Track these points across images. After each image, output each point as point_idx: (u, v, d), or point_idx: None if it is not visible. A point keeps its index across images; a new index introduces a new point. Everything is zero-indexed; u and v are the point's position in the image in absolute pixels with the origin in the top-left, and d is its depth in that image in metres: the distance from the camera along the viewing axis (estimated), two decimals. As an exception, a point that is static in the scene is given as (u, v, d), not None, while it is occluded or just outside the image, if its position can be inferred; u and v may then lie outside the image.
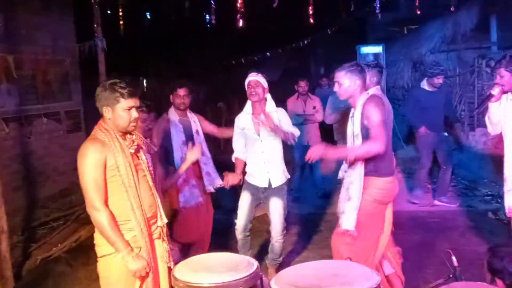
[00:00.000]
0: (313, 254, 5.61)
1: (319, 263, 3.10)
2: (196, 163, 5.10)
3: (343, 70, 3.86)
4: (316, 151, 3.76)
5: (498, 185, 6.70)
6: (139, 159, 3.09)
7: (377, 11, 8.56)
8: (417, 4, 9.14)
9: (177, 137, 5.06)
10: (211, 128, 5.40)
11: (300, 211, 7.37)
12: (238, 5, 7.19)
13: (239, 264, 2.98)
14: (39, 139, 7.83)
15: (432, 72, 6.74)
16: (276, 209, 4.78)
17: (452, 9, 9.37)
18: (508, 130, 4.25)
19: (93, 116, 3.18)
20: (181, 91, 5.09)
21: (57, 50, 8.26)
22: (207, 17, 8.30)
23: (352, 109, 3.95)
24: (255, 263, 2.99)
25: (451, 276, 3.54)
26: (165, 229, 3.20)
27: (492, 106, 4.29)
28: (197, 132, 5.21)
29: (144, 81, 14.45)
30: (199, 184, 5.15)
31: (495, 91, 4.16)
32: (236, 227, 4.90)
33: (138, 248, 2.97)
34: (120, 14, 8.22)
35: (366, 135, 3.73)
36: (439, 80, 6.87)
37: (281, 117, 4.74)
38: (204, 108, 12.05)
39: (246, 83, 4.74)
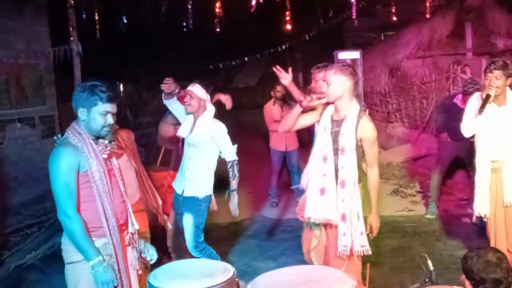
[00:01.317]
0: (291, 259, 5.59)
1: (295, 268, 3.09)
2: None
3: (333, 69, 3.66)
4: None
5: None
6: (111, 164, 3.04)
7: (354, 17, 8.61)
8: (393, 10, 9.23)
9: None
10: None
11: (278, 217, 7.36)
12: (216, 10, 7.16)
13: (215, 270, 2.95)
14: (13, 144, 7.68)
15: (467, 90, 6.33)
16: (187, 227, 4.58)
17: (427, 15, 9.48)
18: (482, 136, 4.31)
19: (68, 121, 3.11)
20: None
21: (31, 54, 8.11)
22: (184, 21, 8.25)
23: (332, 112, 3.76)
24: (232, 269, 2.97)
25: (427, 280, 3.56)
26: (136, 236, 3.13)
27: (472, 110, 4.33)
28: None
29: (121, 85, 14.31)
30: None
31: (492, 91, 4.12)
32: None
33: (108, 255, 2.90)
34: (96, 18, 8.13)
35: (357, 149, 3.64)
36: None
37: (215, 133, 4.52)
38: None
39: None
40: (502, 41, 10.65)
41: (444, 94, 9.59)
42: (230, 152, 4.57)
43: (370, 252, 3.67)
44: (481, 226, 5.34)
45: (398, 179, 8.67)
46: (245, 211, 7.20)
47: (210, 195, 4.64)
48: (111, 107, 2.93)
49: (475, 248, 2.77)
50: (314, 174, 3.75)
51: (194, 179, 4.57)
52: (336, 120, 3.71)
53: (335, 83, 3.61)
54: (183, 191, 4.60)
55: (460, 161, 7.01)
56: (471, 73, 9.30)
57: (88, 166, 2.85)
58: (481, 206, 4.33)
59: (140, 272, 3.13)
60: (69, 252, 2.89)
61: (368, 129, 3.62)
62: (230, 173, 4.59)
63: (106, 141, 3.03)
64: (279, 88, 7.68)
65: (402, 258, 5.46)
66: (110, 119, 2.94)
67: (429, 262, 3.46)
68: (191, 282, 2.80)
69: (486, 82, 4.18)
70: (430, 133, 9.81)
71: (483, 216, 4.35)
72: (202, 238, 4.62)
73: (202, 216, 4.58)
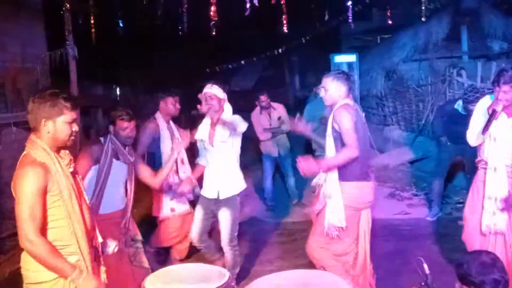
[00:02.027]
0: (287, 263, 5.58)
1: (291, 272, 3.08)
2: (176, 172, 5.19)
3: (330, 77, 4.05)
4: (306, 169, 3.88)
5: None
6: (76, 177, 2.90)
7: (350, 20, 8.63)
8: (389, 14, 9.26)
9: (166, 144, 5.16)
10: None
11: (274, 220, 7.36)
12: (211, 13, 7.16)
13: (210, 274, 2.94)
14: (8, 148, 7.65)
15: (467, 98, 6.34)
16: (223, 220, 4.75)
17: (423, 19, 9.51)
18: (493, 146, 4.19)
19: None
20: (174, 100, 5.29)
21: (27, 57, 8.09)
22: (180, 25, 8.25)
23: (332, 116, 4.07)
24: (227, 274, 2.97)
25: (423, 284, 3.55)
26: (100, 248, 3.01)
27: (478, 119, 4.27)
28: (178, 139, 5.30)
29: (117, 89, 14.32)
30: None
31: (499, 107, 4.02)
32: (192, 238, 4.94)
33: (81, 272, 2.75)
34: (92, 21, 8.12)
35: (336, 137, 3.92)
36: (473, 107, 6.72)
37: (236, 124, 4.69)
38: (178, 116, 11.96)
39: (202, 94, 4.69)
40: (498, 44, 10.70)
41: (440, 97, 9.61)
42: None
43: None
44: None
45: (394, 182, 8.68)
46: (241, 215, 7.19)
47: (243, 187, 4.83)
48: (76, 114, 2.81)
49: (467, 253, 2.77)
50: None
51: (227, 180, 4.72)
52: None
53: (332, 89, 4.03)
54: (218, 195, 4.71)
55: (457, 164, 7.03)
56: (467, 76, 9.33)
57: (57, 185, 2.71)
58: (500, 222, 4.17)
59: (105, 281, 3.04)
60: (35, 272, 2.72)
61: (337, 117, 3.93)
62: None
63: (67, 153, 2.87)
64: (262, 98, 7.62)
65: (398, 261, 5.45)
66: (76, 127, 2.83)
67: (425, 266, 3.45)
68: (187, 287, 2.79)
69: (495, 95, 4.08)
70: (426, 136, 9.82)
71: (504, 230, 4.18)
72: (237, 233, 4.84)
73: (238, 210, 4.80)
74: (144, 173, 4.41)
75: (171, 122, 5.40)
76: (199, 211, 4.85)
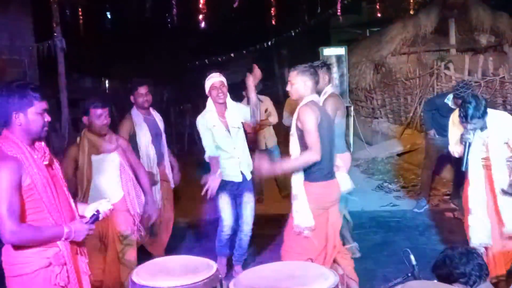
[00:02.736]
0: (276, 255, 5.56)
1: (278, 264, 3.11)
2: (162, 165, 5.25)
3: (295, 71, 3.97)
4: (261, 169, 3.91)
5: (455, 185, 6.85)
6: (53, 169, 2.86)
7: (339, 13, 8.65)
8: (378, 7, 9.29)
9: (143, 138, 5.08)
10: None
11: (263, 212, 7.36)
12: (200, 6, 7.15)
13: (198, 266, 2.95)
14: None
15: (458, 94, 6.30)
16: (249, 202, 4.92)
17: (412, 12, 9.56)
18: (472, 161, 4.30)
19: (52, 118, 3.02)
20: (142, 89, 5.13)
21: (15, 49, 8.03)
22: (169, 18, 8.23)
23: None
24: (215, 265, 2.98)
25: (409, 274, 3.60)
26: (83, 243, 2.96)
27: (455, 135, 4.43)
28: (160, 134, 5.32)
29: (106, 81, 14.25)
30: (162, 187, 5.18)
31: (471, 137, 4.16)
32: (223, 228, 4.96)
33: (61, 265, 2.76)
34: (80, 13, 8.08)
35: (300, 136, 3.84)
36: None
37: (240, 108, 4.90)
38: (168, 110, 11.96)
39: (209, 84, 4.72)
40: (485, 38, 10.78)
41: (428, 90, 9.67)
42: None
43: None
44: (463, 221, 5.39)
45: (382, 174, 8.74)
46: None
47: None
48: (46, 104, 2.76)
49: (440, 256, 2.79)
50: None
51: (248, 161, 4.87)
52: None
53: (297, 83, 3.95)
54: (245, 177, 4.84)
55: (445, 157, 7.08)
56: (455, 69, 9.39)
57: (30, 178, 2.67)
58: (480, 235, 4.26)
59: (89, 274, 3.01)
60: (17, 264, 2.70)
61: (300, 115, 3.83)
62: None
63: (43, 144, 2.83)
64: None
65: (386, 253, 5.51)
66: (48, 117, 2.78)
67: (412, 257, 3.50)
68: (174, 279, 2.80)
69: (464, 126, 4.16)
70: (414, 129, 9.89)
71: (485, 244, 4.25)
72: None
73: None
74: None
75: (153, 112, 5.34)
76: (226, 199, 4.89)
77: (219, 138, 4.78)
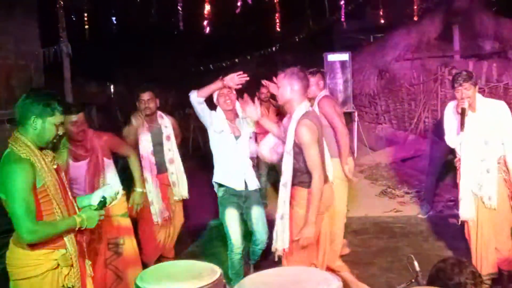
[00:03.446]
0: (278, 260, 5.61)
1: (282, 269, 3.13)
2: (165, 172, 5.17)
3: (283, 73, 3.74)
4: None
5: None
6: (59, 173, 2.95)
7: (342, 19, 8.68)
8: (381, 13, 9.31)
9: (144, 147, 5.01)
10: (178, 131, 5.39)
11: (267, 217, 7.37)
12: (205, 11, 7.19)
13: (202, 271, 2.96)
14: (2, 145, 7.61)
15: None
16: (258, 215, 4.65)
17: (416, 18, 9.58)
18: (466, 141, 4.39)
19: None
20: (145, 95, 4.97)
21: (21, 54, 8.09)
22: (174, 23, 8.27)
23: (286, 118, 3.88)
24: (219, 271, 2.99)
25: (413, 281, 3.61)
26: (84, 244, 3.07)
27: (450, 123, 4.51)
28: (168, 138, 5.14)
29: (111, 86, 14.30)
30: (165, 196, 5.15)
31: (465, 104, 4.27)
32: (234, 249, 4.63)
33: (69, 267, 2.85)
34: (86, 19, 8.13)
35: (298, 151, 3.64)
36: None
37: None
38: (173, 114, 11.96)
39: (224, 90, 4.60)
40: (489, 44, 10.78)
41: (432, 95, 9.68)
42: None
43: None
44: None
45: (386, 180, 8.73)
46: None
47: None
48: (63, 119, 2.91)
49: (433, 270, 2.79)
50: None
51: (251, 171, 4.67)
52: (285, 124, 3.83)
53: (283, 87, 3.71)
54: (246, 185, 4.59)
55: (449, 163, 7.08)
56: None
57: (43, 180, 2.76)
58: (465, 211, 4.44)
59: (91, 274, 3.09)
60: (23, 267, 2.77)
61: (300, 132, 3.60)
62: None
63: (50, 151, 2.94)
64: (263, 90, 7.67)
65: (390, 259, 5.50)
66: (61, 130, 2.91)
67: (415, 263, 3.52)
68: (178, 284, 2.82)
69: (458, 95, 4.30)
70: (418, 135, 9.90)
71: (468, 219, 4.45)
72: None
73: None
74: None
75: (159, 119, 5.16)
76: (233, 213, 4.60)
77: (225, 144, 4.62)
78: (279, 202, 3.73)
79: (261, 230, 4.67)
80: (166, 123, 5.15)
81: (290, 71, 3.72)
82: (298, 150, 3.63)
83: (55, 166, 2.89)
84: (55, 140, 2.90)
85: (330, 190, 3.86)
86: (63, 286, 2.83)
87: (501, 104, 4.41)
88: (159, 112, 5.17)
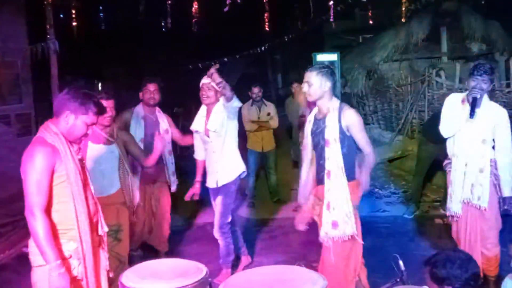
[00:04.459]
0: (267, 259, 5.62)
1: (268, 268, 3.13)
2: (163, 162, 5.31)
3: (314, 71, 3.83)
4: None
5: (446, 191, 6.89)
6: (83, 165, 3.04)
7: (331, 20, 8.71)
8: (370, 14, 9.36)
9: (136, 133, 5.13)
10: (176, 134, 5.55)
11: (255, 217, 7.39)
12: (194, 10, 7.17)
13: (188, 270, 2.97)
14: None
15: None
16: (217, 206, 4.83)
17: (404, 20, 9.63)
18: (459, 137, 4.38)
19: (45, 120, 3.11)
20: (151, 86, 5.27)
21: (8, 51, 8.03)
22: (163, 21, 8.24)
23: (315, 111, 3.98)
24: (204, 269, 2.99)
25: (398, 280, 3.63)
26: (105, 238, 3.13)
27: (451, 112, 4.40)
28: (167, 131, 5.36)
29: (99, 84, 14.23)
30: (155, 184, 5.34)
31: (478, 94, 4.17)
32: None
33: (79, 259, 2.88)
34: (74, 16, 8.08)
35: (344, 139, 3.78)
36: None
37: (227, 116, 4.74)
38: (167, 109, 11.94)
39: (200, 85, 4.77)
40: (477, 46, 10.88)
41: (420, 97, 9.74)
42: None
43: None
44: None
45: (373, 180, 8.69)
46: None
47: (241, 173, 4.88)
48: (96, 119, 2.99)
49: (442, 256, 2.77)
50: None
51: (225, 168, 4.78)
52: (319, 118, 3.92)
53: (317, 84, 3.79)
54: (217, 183, 4.78)
55: (436, 163, 7.13)
56: (446, 77, 9.46)
57: (64, 166, 2.83)
58: (455, 205, 4.41)
59: (111, 274, 3.12)
60: (38, 255, 2.82)
61: (351, 115, 3.79)
62: None
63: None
64: (255, 90, 7.73)
65: (376, 258, 5.50)
66: (90, 130, 2.99)
67: (401, 262, 3.54)
68: (163, 282, 2.82)
69: (473, 84, 4.19)
70: (405, 135, 9.95)
71: (454, 214, 4.42)
72: (229, 220, 4.83)
73: (230, 197, 4.82)
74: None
75: (157, 113, 5.40)
76: (213, 204, 4.92)
77: (201, 142, 4.89)
78: (325, 192, 3.81)
79: (215, 219, 4.83)
80: (162, 118, 5.41)
81: (320, 69, 3.84)
82: (343, 138, 3.77)
83: (79, 157, 2.97)
84: (83, 138, 3.00)
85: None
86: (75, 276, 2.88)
87: (503, 111, 4.35)
88: (157, 108, 5.42)
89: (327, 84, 3.80)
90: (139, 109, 5.36)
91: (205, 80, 4.72)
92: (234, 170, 4.84)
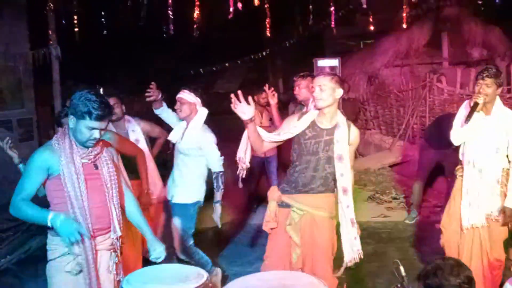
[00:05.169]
0: (267, 264, 5.62)
1: (268, 273, 3.12)
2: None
3: (328, 76, 3.69)
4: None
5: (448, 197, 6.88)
6: (97, 168, 3.04)
7: (332, 25, 8.73)
8: (371, 19, 9.38)
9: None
10: (158, 132, 5.41)
11: (255, 221, 7.39)
12: (196, 15, 7.19)
13: (188, 275, 2.96)
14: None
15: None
16: (175, 230, 4.68)
17: (405, 25, 9.65)
18: (469, 144, 4.20)
19: (47, 125, 3.15)
20: (110, 101, 5.04)
21: (10, 56, 8.05)
22: (164, 26, 8.26)
23: (314, 116, 3.77)
24: (205, 274, 2.99)
25: (399, 286, 3.62)
26: (119, 242, 3.14)
27: (461, 117, 4.21)
28: (137, 140, 5.13)
29: (101, 89, 14.25)
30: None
31: (480, 99, 4.01)
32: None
33: (76, 255, 2.98)
34: (76, 21, 8.11)
35: (347, 157, 3.74)
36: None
37: (202, 142, 4.58)
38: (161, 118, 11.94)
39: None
40: (478, 51, 10.90)
41: (421, 102, 9.75)
42: (216, 163, 4.58)
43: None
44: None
45: (374, 185, 8.76)
46: (223, 217, 7.22)
47: (199, 201, 4.70)
48: (98, 125, 2.92)
49: (431, 266, 2.77)
50: None
51: (184, 185, 4.65)
52: (321, 127, 3.76)
53: (329, 91, 3.63)
54: (172, 197, 4.68)
55: (438, 168, 7.12)
56: (447, 82, 9.47)
57: (61, 171, 2.89)
58: (474, 216, 4.17)
59: (118, 278, 3.13)
60: (49, 250, 3.02)
61: (357, 135, 3.84)
62: (215, 184, 4.59)
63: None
64: (264, 95, 7.69)
65: (377, 264, 5.52)
66: (96, 134, 2.93)
67: (402, 268, 3.52)
68: (164, 287, 2.82)
69: (476, 89, 4.07)
70: (406, 141, 9.95)
71: (479, 225, 4.18)
72: (191, 243, 4.68)
73: (190, 221, 4.65)
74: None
75: (127, 124, 5.16)
76: (162, 216, 4.90)
77: (176, 150, 4.77)
78: (343, 208, 3.79)
79: (176, 241, 4.68)
80: (133, 127, 5.15)
81: (333, 75, 3.72)
82: (347, 156, 3.76)
83: (84, 160, 2.98)
84: (92, 142, 2.98)
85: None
86: (70, 271, 2.96)
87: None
88: (126, 117, 5.18)
89: (339, 92, 3.68)
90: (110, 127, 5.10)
91: (178, 95, 4.65)
92: (193, 192, 4.67)
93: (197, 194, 4.68)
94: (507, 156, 4.15)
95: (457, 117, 4.31)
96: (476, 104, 4.02)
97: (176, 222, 4.65)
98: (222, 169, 4.61)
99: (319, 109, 3.71)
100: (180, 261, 4.73)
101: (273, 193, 3.92)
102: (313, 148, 3.73)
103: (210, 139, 4.60)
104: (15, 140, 8.16)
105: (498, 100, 4.14)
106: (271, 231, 3.97)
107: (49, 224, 2.87)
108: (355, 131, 3.81)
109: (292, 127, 3.75)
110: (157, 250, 3.27)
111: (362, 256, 3.87)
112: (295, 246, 3.82)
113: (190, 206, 4.64)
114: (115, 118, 4.97)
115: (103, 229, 3.07)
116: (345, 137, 3.72)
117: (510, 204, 4.05)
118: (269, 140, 3.77)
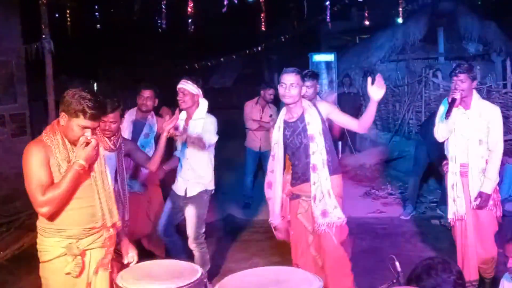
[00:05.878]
0: (263, 260, 5.60)
1: (263, 269, 3.10)
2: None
3: (294, 72, 3.98)
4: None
5: (443, 192, 6.88)
6: (92, 166, 2.98)
7: (328, 20, 8.70)
8: (367, 14, 9.35)
9: (123, 135, 5.03)
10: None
11: (250, 217, 7.37)
12: (190, 10, 7.14)
13: (183, 271, 2.94)
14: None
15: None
16: (189, 217, 4.70)
17: (401, 20, 9.64)
18: (451, 139, 4.37)
19: (40, 120, 3.10)
20: (145, 93, 5.27)
21: (2, 50, 7.96)
22: (158, 21, 8.21)
23: (282, 117, 4.13)
24: (200, 270, 2.97)
25: (394, 281, 3.60)
26: (112, 238, 3.08)
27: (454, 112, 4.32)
28: (147, 135, 5.26)
29: (95, 84, 14.20)
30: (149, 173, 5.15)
31: (458, 95, 4.17)
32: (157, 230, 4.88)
33: (74, 255, 2.91)
34: (69, 15, 8.04)
35: (326, 133, 4.00)
36: None
37: (205, 124, 4.64)
38: (156, 113, 11.91)
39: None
40: (474, 46, 10.90)
41: (416, 97, 9.74)
42: (210, 138, 4.63)
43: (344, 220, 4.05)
44: (449, 228, 5.42)
45: (370, 181, 8.77)
46: (218, 212, 7.20)
47: (212, 188, 4.77)
48: (91, 124, 2.86)
49: (416, 269, 2.76)
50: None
51: (195, 177, 4.66)
52: (292, 121, 4.07)
53: (298, 88, 3.96)
54: (185, 192, 4.67)
55: (433, 164, 7.12)
56: (443, 77, 9.47)
57: (56, 163, 2.85)
58: (460, 209, 4.36)
59: (114, 274, 3.09)
60: (42, 252, 2.95)
61: (325, 104, 4.15)
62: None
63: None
64: (272, 91, 7.65)
65: (372, 259, 5.51)
66: (88, 133, 2.87)
67: (397, 263, 3.51)
68: (158, 283, 2.79)
69: (452, 86, 4.27)
70: (402, 136, 9.95)
71: (460, 216, 4.36)
72: (203, 230, 4.75)
73: (204, 208, 4.72)
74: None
75: (150, 118, 5.33)
76: (168, 204, 4.83)
77: (180, 144, 4.78)
78: (311, 185, 3.99)
79: (189, 230, 4.71)
80: (152, 121, 5.35)
81: (301, 72, 4.07)
82: (325, 130, 4.05)
83: (79, 161, 2.86)
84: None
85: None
86: (70, 273, 2.92)
87: (496, 109, 4.33)
88: (152, 113, 5.39)
89: (303, 87, 4.02)
90: (132, 112, 5.35)
91: (180, 85, 4.63)
92: (205, 181, 4.70)
93: (210, 183, 4.75)
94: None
95: (438, 114, 4.53)
96: (453, 100, 4.21)
97: (191, 209, 4.68)
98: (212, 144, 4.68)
99: (287, 105, 4.03)
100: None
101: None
102: (297, 140, 4.05)
103: (212, 119, 4.69)
104: (8, 135, 8.10)
105: (475, 94, 4.35)
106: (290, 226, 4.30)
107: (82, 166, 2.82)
108: (322, 103, 4.12)
109: (274, 144, 4.21)
110: (130, 255, 3.24)
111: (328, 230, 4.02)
112: (308, 233, 4.17)
113: (203, 193, 4.71)
114: (145, 109, 5.26)
115: (95, 228, 3.02)
116: (316, 115, 3.98)
117: (486, 189, 4.24)
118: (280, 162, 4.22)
